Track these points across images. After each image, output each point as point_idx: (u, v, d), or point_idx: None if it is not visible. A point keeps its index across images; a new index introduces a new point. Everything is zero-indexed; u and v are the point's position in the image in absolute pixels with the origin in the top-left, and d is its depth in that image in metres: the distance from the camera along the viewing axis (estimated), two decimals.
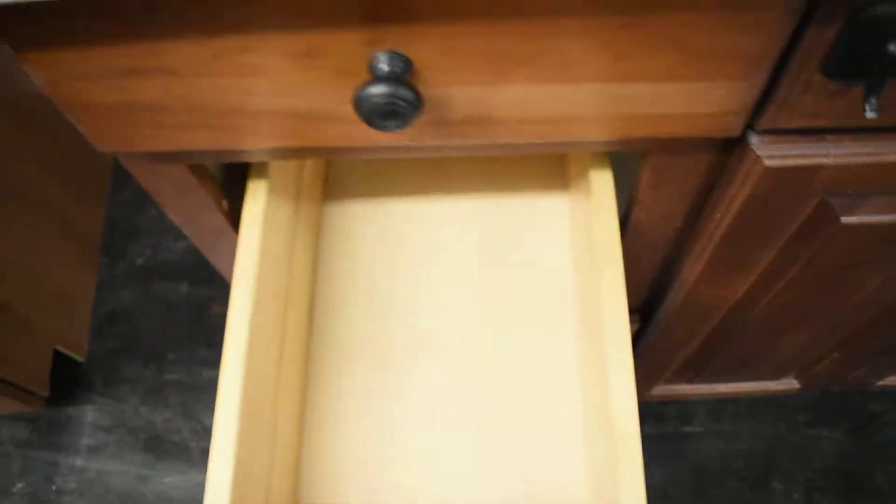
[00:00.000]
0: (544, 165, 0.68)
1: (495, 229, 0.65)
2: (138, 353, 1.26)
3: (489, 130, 0.39)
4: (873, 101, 0.36)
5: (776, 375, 0.99)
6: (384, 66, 0.31)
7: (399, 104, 0.30)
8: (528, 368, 0.59)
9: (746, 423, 1.11)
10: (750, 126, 0.43)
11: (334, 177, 0.68)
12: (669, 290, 0.71)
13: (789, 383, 1.00)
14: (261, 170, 0.50)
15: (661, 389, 1.00)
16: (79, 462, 1.19)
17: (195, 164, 0.46)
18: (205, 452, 1.18)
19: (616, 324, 0.47)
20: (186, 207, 0.52)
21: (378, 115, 0.31)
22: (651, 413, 1.11)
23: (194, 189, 0.48)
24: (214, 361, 1.24)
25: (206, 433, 1.19)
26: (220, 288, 1.28)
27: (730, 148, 0.47)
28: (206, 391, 1.22)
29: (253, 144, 0.41)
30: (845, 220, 0.50)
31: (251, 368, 0.46)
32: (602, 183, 0.51)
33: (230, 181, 0.53)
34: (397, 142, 0.40)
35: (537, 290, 0.62)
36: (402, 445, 0.56)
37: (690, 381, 0.99)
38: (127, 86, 0.35)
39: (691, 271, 0.63)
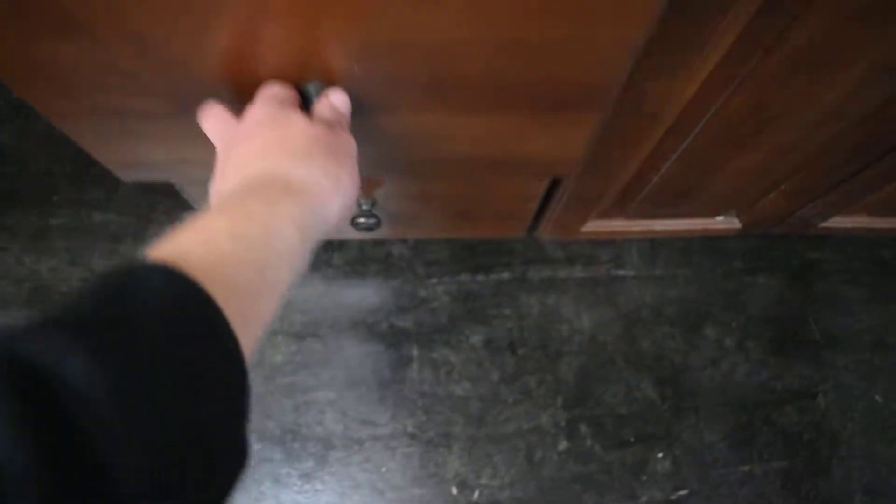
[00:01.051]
0: None
1: None
2: (19, 197, 1.11)
3: None
4: None
5: (717, 211, 0.91)
6: None
7: None
8: None
9: (681, 269, 1.04)
10: None
11: None
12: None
13: (730, 222, 0.93)
14: None
15: (595, 225, 0.92)
16: None
17: None
18: None
19: None
20: None
21: None
22: (582, 255, 1.04)
23: None
24: (104, 203, 1.10)
25: None
26: None
27: None
28: (96, 235, 1.09)
29: None
30: None
31: None
32: None
33: None
34: None
35: None
36: None
37: (627, 214, 0.90)
38: None
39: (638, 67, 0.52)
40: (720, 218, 0.92)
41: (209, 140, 0.46)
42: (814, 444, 0.99)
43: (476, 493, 0.95)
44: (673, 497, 0.96)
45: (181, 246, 0.30)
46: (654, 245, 1.04)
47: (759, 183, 0.82)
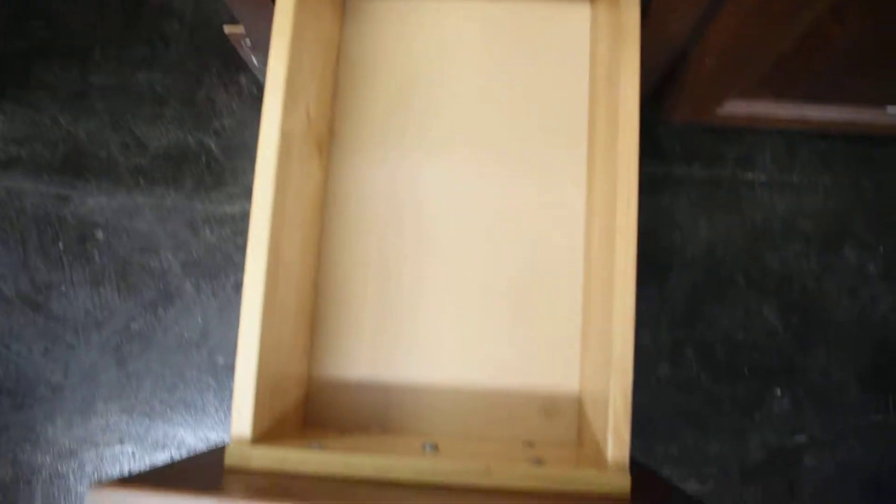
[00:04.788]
0: None
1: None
2: (57, 52, 0.98)
3: None
4: None
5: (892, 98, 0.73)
6: None
7: None
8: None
9: (823, 177, 0.87)
10: None
11: None
12: None
13: None
14: None
15: (735, 106, 0.75)
16: None
17: None
18: (136, 171, 0.93)
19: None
20: None
21: None
22: (705, 152, 0.87)
23: None
24: (151, 62, 0.96)
25: (138, 148, 0.94)
26: None
27: None
28: (141, 98, 0.96)
29: None
30: None
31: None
32: None
33: None
34: None
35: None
36: (411, 318, 0.54)
37: (777, 94, 0.73)
38: None
39: None
40: (892, 109, 0.74)
41: None
42: None
43: None
44: (789, 443, 0.81)
45: None
46: (792, 145, 0.87)
47: None
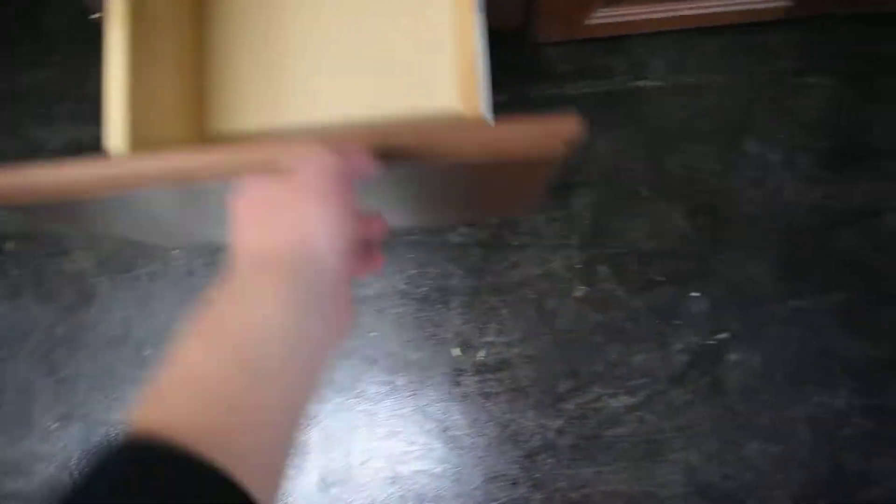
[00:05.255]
0: None
1: None
2: None
3: None
4: None
5: None
6: None
7: None
8: None
9: (716, 74, 0.85)
10: None
11: None
12: None
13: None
14: None
15: (605, 15, 0.73)
16: None
17: None
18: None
19: None
20: None
21: None
22: (594, 67, 0.85)
23: None
24: (37, 62, 0.93)
25: (36, 151, 0.91)
26: None
27: None
28: (33, 100, 0.93)
29: None
30: None
31: None
32: None
33: None
34: None
35: None
36: (294, 68, 0.59)
37: None
38: None
39: None
40: None
41: None
42: (881, 271, 0.84)
43: (482, 353, 0.82)
44: (711, 341, 0.82)
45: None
46: (683, 48, 0.85)
47: None
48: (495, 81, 0.85)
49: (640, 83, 0.85)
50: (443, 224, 0.83)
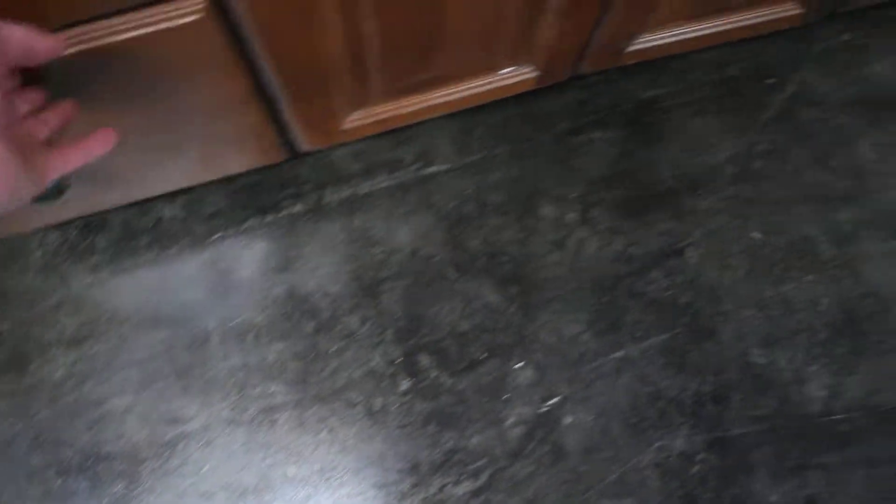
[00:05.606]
0: None
1: None
2: None
3: None
4: None
5: (496, 63, 0.74)
6: None
7: None
8: None
9: (500, 147, 0.88)
10: None
11: None
12: None
13: (521, 71, 0.76)
14: None
15: (360, 118, 0.74)
16: None
17: None
18: None
19: None
20: None
21: None
22: (383, 162, 0.87)
23: None
24: None
25: None
26: None
27: None
28: None
29: None
30: None
31: None
32: None
33: None
34: None
35: None
36: None
37: (388, 94, 0.73)
38: None
39: None
40: (507, 70, 0.75)
41: None
42: (692, 307, 0.85)
43: (316, 466, 0.81)
44: (544, 408, 0.82)
45: None
46: (465, 127, 0.87)
47: (509, 8, 0.64)
48: (286, 195, 0.86)
49: (431, 169, 0.87)
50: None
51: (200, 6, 0.48)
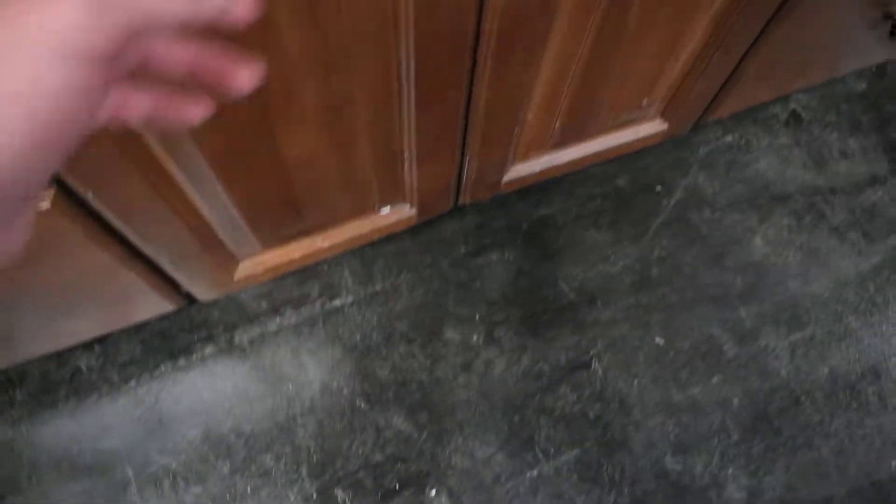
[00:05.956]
0: None
1: None
2: None
3: None
4: None
5: (365, 207, 0.78)
6: None
7: None
8: None
9: (402, 275, 0.91)
10: None
11: None
12: None
13: (400, 210, 0.80)
14: None
15: (249, 267, 0.78)
16: None
17: None
18: None
19: None
20: None
21: None
22: (289, 299, 0.90)
23: None
24: None
25: None
26: None
27: None
28: None
29: None
30: None
31: None
32: None
33: None
34: None
35: None
36: None
37: (268, 245, 0.77)
38: None
39: None
40: (384, 211, 0.80)
41: None
42: (602, 419, 0.87)
43: None
44: None
45: None
46: (365, 260, 0.91)
47: (361, 160, 0.68)
48: (198, 338, 0.89)
49: (336, 302, 0.90)
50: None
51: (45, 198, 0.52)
